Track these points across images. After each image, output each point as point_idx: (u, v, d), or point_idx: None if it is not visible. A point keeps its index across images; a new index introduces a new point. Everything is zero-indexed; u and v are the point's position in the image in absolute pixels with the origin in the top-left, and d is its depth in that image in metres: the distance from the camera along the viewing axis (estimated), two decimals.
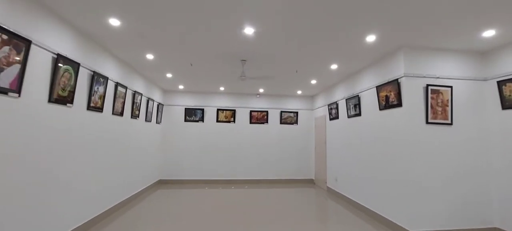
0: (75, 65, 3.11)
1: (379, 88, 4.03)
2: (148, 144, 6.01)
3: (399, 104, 3.61)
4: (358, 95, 4.75)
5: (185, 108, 7.21)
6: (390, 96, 3.79)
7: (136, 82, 5.10)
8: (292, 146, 7.55)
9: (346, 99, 5.24)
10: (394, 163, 3.70)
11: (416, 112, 3.52)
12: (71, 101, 3.10)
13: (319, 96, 7.18)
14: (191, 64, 4.61)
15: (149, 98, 5.79)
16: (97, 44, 3.65)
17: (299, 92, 7.17)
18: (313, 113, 7.63)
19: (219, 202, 5.14)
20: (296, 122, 7.62)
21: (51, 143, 2.81)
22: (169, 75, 5.43)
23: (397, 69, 3.69)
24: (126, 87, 4.54)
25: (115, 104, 4.20)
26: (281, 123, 7.55)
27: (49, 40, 2.73)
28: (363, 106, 4.63)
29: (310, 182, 7.45)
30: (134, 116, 5.05)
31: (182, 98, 7.26)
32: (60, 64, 2.85)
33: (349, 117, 5.17)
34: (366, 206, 4.41)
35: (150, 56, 4.20)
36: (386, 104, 3.90)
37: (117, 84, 4.21)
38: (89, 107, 3.48)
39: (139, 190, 5.51)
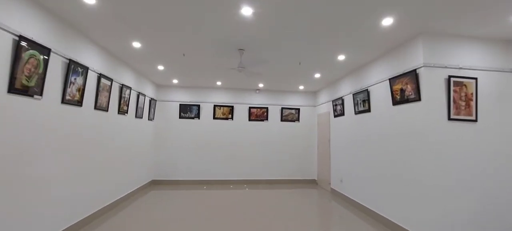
0: (45, 51, 2.67)
1: (392, 80, 3.61)
2: (139, 142, 5.58)
3: (417, 98, 3.19)
4: (367, 89, 4.33)
5: (180, 104, 6.78)
6: (406, 90, 3.37)
7: (124, 75, 4.67)
8: (294, 145, 7.13)
9: (353, 94, 4.81)
10: (410, 163, 3.28)
11: (436, 107, 3.10)
12: (40, 93, 2.67)
13: (322, 92, 6.75)
14: (184, 55, 4.18)
15: (139, 93, 5.35)
16: (73, 28, 3.21)
17: (301, 87, 6.74)
18: (316, 110, 7.20)
19: (216, 204, 4.73)
20: (298, 119, 7.20)
21: (14, 139, 2.38)
22: (160, 67, 4.99)
23: (415, 59, 3.26)
24: (111, 80, 4.11)
25: (98, 98, 3.77)
26: (282, 120, 7.13)
27: (9, 19, 2.30)
28: (373, 102, 4.21)
29: (312, 183, 7.04)
30: (122, 111, 4.61)
31: (176, 93, 6.83)
32: (23, 49, 2.41)
33: (356, 113, 4.74)
34: (375, 210, 3.99)
35: (136, 44, 3.76)
36: (401, 98, 3.48)
37: (100, 76, 3.77)
38: (64, 101, 3.05)
39: (129, 192, 5.09)
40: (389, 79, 3.68)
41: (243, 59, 4.19)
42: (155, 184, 6.52)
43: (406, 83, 3.36)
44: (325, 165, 6.32)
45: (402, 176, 3.43)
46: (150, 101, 6.08)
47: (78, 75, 3.28)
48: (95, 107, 3.74)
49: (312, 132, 7.22)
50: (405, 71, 3.36)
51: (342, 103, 5.34)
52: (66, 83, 3.06)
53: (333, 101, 5.79)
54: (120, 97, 4.50)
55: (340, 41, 3.47)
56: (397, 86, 3.53)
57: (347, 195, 5.06)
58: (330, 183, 5.99)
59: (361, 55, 4.01)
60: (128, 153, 5.00)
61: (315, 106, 7.27)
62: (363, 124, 4.51)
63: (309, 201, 5.26)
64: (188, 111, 6.80)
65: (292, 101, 7.22)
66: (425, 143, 3.07)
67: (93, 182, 3.75)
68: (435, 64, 3.12)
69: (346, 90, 5.23)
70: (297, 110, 7.18)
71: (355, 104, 4.75)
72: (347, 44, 3.59)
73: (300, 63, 4.50)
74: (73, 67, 3.14)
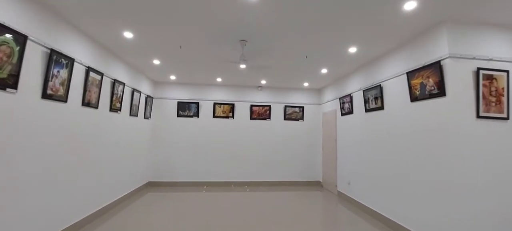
0: (20, 38, 2.34)
1: (411, 74, 3.27)
2: (135, 142, 5.24)
3: (441, 93, 2.84)
4: (380, 85, 3.99)
5: (178, 102, 6.44)
6: (428, 84, 3.02)
7: (116, 69, 4.33)
8: (297, 145, 6.79)
9: (363, 91, 4.47)
10: (430, 165, 2.94)
11: (463, 104, 2.75)
12: (14, 86, 2.33)
13: (328, 89, 6.41)
14: (181, 47, 3.84)
15: (134, 89, 5.01)
16: (56, 13, 2.87)
17: (306, 84, 6.39)
18: (321, 108, 6.86)
19: (216, 207, 4.40)
20: (302, 118, 6.86)
21: None
22: (156, 61, 4.65)
23: (438, 49, 2.91)
24: (102, 74, 3.78)
25: (86, 93, 3.44)
26: (285, 118, 6.79)
27: None
28: (387, 98, 3.86)
29: (317, 185, 6.70)
30: (115, 108, 4.28)
31: (174, 90, 6.49)
32: None
33: (367, 110, 4.40)
34: (387, 216, 3.66)
35: (128, 35, 3.42)
36: (421, 93, 3.13)
37: (88, 69, 3.44)
38: (45, 95, 2.71)
39: (124, 194, 4.76)
40: (407, 73, 3.34)
41: (245, 52, 3.85)
42: (151, 185, 6.18)
43: (428, 77, 3.01)
44: (331, 166, 5.98)
45: (420, 178, 3.09)
46: (146, 98, 5.74)
47: (62, 68, 2.94)
48: (83, 104, 3.40)
49: (317, 131, 6.88)
50: (426, 64, 3.01)
51: (351, 101, 5.00)
52: (47, 76, 2.72)
53: (340, 98, 5.44)
54: (112, 93, 4.16)
55: (353, 29, 3.13)
56: (416, 81, 3.19)
57: (355, 199, 4.72)
58: (336, 186, 5.65)
59: (375, 46, 3.66)
60: (122, 153, 4.66)
61: (320, 104, 6.92)
62: (375, 123, 4.17)
63: (315, 204, 4.92)
64: (186, 109, 6.46)
65: (296, 99, 6.88)
66: (450, 143, 2.72)
67: (83, 184, 3.41)
68: (462, 55, 2.78)
69: (355, 86, 4.88)
70: (301, 109, 6.84)
71: (366, 101, 4.41)
72: (361, 34, 3.25)
73: (306, 57, 4.16)
74: (55, 58, 2.80)
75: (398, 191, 3.51)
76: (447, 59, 2.79)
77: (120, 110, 4.48)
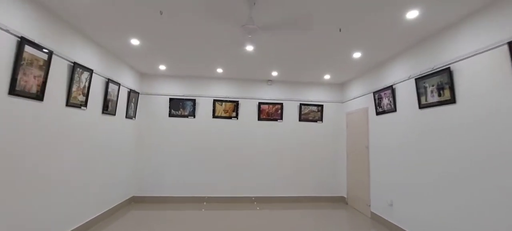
0: None
1: None
2: (112, 147, 4.11)
3: None
4: (448, 68, 2.76)
5: (170, 98, 5.30)
6: None
7: (78, 49, 3.20)
8: (315, 151, 5.57)
9: (415, 79, 3.25)
10: None
11: None
12: None
13: (354, 83, 5.19)
14: (161, 13, 2.69)
15: (109, 79, 3.88)
16: None
17: (327, 77, 5.19)
18: (344, 106, 5.64)
19: (214, 229, 3.25)
20: (321, 119, 5.64)
21: None
22: (135, 41, 3.52)
23: None
24: (50, 52, 2.66)
25: (18, 77, 2.31)
26: (300, 119, 5.58)
27: None
28: (462, 86, 2.64)
29: (340, 202, 5.45)
30: (75, 103, 3.15)
31: (165, 84, 5.36)
32: None
33: (422, 106, 3.18)
34: None
35: None
36: None
37: (22, 41, 2.32)
38: None
39: (98, 214, 3.66)
40: (509, 43, 2.12)
41: (254, 15, 2.68)
42: (136, 201, 5.04)
43: None
44: (360, 179, 4.74)
45: None
46: (129, 93, 4.61)
47: None
48: (12, 92, 2.28)
49: (340, 135, 5.65)
50: None
51: (392, 94, 3.78)
52: None
53: (375, 93, 4.22)
54: (71, 81, 3.04)
55: None
56: None
57: (402, 227, 3.48)
58: (369, 205, 4.40)
59: (449, 5, 2.45)
60: (91, 161, 3.52)
61: (343, 102, 5.70)
62: (438, 123, 2.94)
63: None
64: (180, 107, 5.32)
65: (314, 96, 5.68)
66: None
67: (29, 208, 2.27)
68: None
69: (400, 75, 3.67)
70: (319, 108, 5.63)
71: (421, 93, 3.18)
72: None
73: (340, 30, 2.97)
74: None
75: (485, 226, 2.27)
76: None
77: (85, 105, 3.35)
